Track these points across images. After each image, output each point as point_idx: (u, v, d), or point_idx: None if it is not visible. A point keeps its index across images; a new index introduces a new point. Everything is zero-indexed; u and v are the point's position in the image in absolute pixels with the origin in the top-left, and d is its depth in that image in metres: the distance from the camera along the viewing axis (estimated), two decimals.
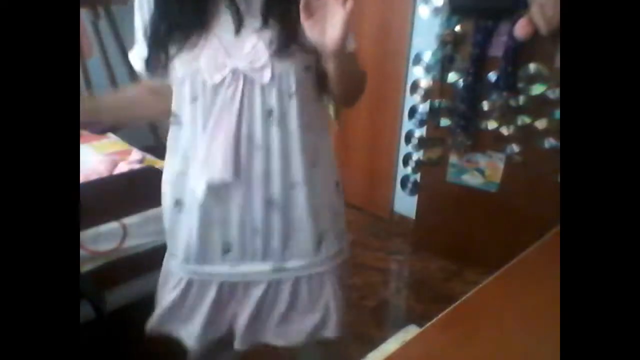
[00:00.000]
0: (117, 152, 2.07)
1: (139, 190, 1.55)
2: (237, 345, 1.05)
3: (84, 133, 2.32)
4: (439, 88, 2.24)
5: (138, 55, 0.93)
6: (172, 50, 0.86)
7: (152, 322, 1.09)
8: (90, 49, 2.96)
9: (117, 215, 1.49)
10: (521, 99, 2.01)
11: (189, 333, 1.05)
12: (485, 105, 2.11)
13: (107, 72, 3.01)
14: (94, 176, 1.68)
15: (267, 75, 0.84)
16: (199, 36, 0.84)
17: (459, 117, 2.16)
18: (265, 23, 0.83)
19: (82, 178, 1.63)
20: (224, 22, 0.84)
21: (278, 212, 0.95)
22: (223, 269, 1.00)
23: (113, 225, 1.49)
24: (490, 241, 2.20)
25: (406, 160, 2.68)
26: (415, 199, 2.58)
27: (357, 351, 1.10)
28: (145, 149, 2.16)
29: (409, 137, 2.63)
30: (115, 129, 2.70)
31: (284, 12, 0.82)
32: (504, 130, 2.10)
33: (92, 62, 2.90)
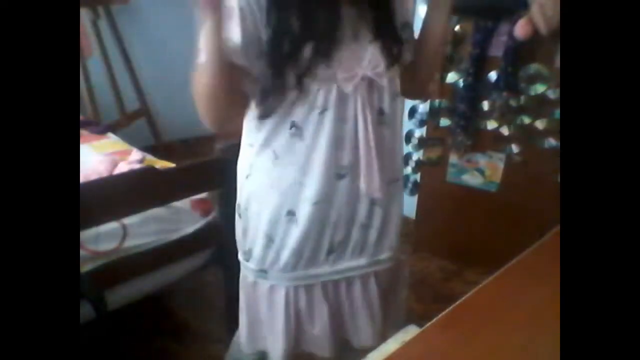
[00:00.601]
0: (117, 152, 2.07)
1: (139, 190, 1.55)
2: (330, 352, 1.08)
3: (84, 133, 2.32)
4: (439, 88, 2.24)
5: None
6: (302, 66, 0.84)
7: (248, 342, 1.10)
8: (90, 49, 2.96)
9: (117, 215, 1.49)
10: (521, 99, 2.01)
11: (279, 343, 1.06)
12: (485, 105, 2.11)
13: (107, 72, 3.02)
14: (94, 176, 1.67)
15: (385, 79, 0.91)
16: (332, 47, 0.85)
17: (459, 117, 2.16)
18: (377, 37, 0.89)
19: (82, 178, 1.63)
20: (347, 33, 0.87)
21: (380, 208, 1.01)
22: (324, 269, 1.02)
23: (113, 225, 1.49)
24: (490, 241, 2.20)
25: (406, 160, 2.68)
26: (415, 199, 2.58)
27: (357, 351, 1.10)
28: (145, 149, 2.16)
29: (409, 137, 2.62)
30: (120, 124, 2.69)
31: (389, 26, 0.91)
32: (504, 130, 2.10)
33: (92, 62, 2.91)
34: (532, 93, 1.98)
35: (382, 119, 0.93)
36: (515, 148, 2.11)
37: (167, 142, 3.41)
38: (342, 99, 0.88)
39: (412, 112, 2.56)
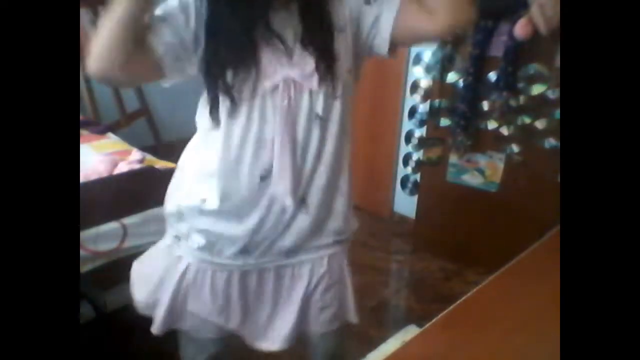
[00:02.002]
0: (117, 152, 2.07)
1: (139, 190, 1.55)
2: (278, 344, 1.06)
3: (84, 133, 2.32)
4: (439, 88, 2.24)
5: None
6: (229, 78, 0.86)
7: None
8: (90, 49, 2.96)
9: (117, 215, 1.49)
10: (521, 99, 2.01)
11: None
12: (485, 105, 2.11)
13: None
14: (94, 176, 1.67)
15: (315, 81, 0.88)
16: (252, 58, 0.86)
17: (459, 117, 2.16)
18: (306, 50, 0.88)
19: (82, 178, 1.62)
20: (271, 44, 0.87)
21: (306, 215, 0.97)
22: (235, 262, 1.00)
23: (113, 225, 1.49)
24: (490, 241, 2.20)
25: (406, 160, 2.68)
26: (415, 199, 2.58)
27: (357, 351, 1.10)
28: (145, 149, 2.16)
29: (409, 137, 2.63)
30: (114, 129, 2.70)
31: (321, 44, 0.88)
32: (504, 130, 2.10)
33: None
34: (532, 93, 1.98)
35: (315, 123, 0.91)
36: (515, 148, 2.11)
37: (167, 142, 3.41)
38: (264, 99, 0.88)
39: (412, 112, 2.56)
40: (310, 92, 0.89)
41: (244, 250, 0.99)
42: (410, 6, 0.88)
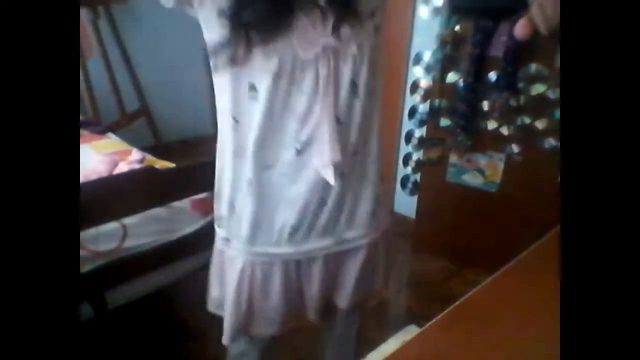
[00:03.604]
0: (117, 152, 2.07)
1: (139, 190, 1.55)
2: (312, 315, 1.08)
3: (84, 133, 2.32)
4: (439, 88, 2.24)
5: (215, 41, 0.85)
6: (258, 35, 0.82)
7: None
8: (90, 49, 2.96)
9: (117, 215, 1.49)
10: (521, 99, 2.01)
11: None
12: (485, 105, 2.11)
13: (107, 72, 3.02)
14: (94, 176, 1.68)
15: (353, 46, 0.86)
16: (288, 19, 0.82)
17: (459, 117, 2.16)
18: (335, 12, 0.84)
19: (82, 178, 1.63)
20: (307, 11, 0.83)
21: (349, 184, 0.97)
22: (285, 249, 0.99)
23: (113, 225, 1.49)
24: (490, 241, 2.20)
25: (406, 160, 2.68)
26: (415, 199, 2.58)
27: (357, 351, 1.10)
28: (145, 149, 2.16)
29: (409, 137, 2.63)
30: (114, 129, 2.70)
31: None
32: (504, 130, 2.10)
33: (92, 62, 2.91)
34: (532, 93, 1.98)
35: (354, 91, 0.89)
36: (515, 148, 2.11)
37: (167, 142, 3.41)
38: (300, 68, 0.84)
39: (412, 112, 2.56)
40: (349, 60, 0.86)
41: (292, 233, 0.97)
42: None
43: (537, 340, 0.81)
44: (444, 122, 2.26)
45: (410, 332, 0.95)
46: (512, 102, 2.03)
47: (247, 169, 0.92)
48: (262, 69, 0.84)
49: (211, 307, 1.11)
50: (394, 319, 2.12)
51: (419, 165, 2.56)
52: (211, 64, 0.89)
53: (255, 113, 0.87)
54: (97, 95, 2.89)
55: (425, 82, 2.43)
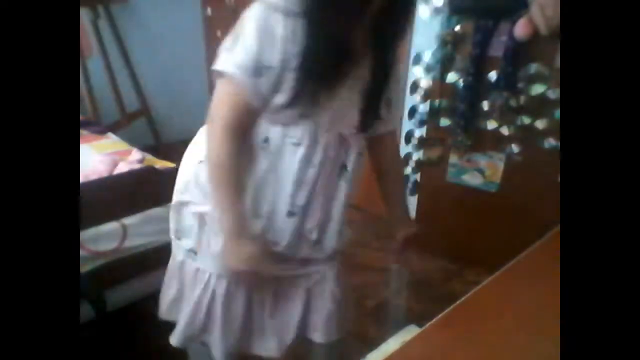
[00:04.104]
0: (117, 152, 2.07)
1: (139, 190, 1.55)
2: (279, 349, 1.11)
3: (84, 133, 2.32)
4: (439, 88, 2.24)
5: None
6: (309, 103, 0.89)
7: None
8: (90, 49, 2.96)
9: (117, 215, 1.49)
10: (521, 99, 2.01)
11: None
12: (485, 105, 2.11)
13: (107, 72, 3.02)
14: (94, 176, 1.67)
15: (355, 140, 0.98)
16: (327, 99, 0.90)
17: (459, 117, 2.16)
18: (364, 102, 0.95)
19: (82, 178, 1.62)
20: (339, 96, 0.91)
21: (319, 245, 1.05)
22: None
23: (113, 225, 1.49)
24: (490, 241, 2.20)
25: (406, 160, 2.68)
26: (415, 199, 2.58)
27: (357, 351, 1.10)
28: (145, 149, 2.16)
29: (409, 137, 2.62)
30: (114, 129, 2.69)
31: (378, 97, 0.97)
32: (504, 130, 2.10)
33: (92, 62, 2.91)
34: (532, 93, 1.98)
35: (342, 173, 1.00)
36: (515, 148, 2.11)
37: (167, 142, 3.41)
38: (313, 144, 0.93)
39: (412, 112, 2.56)
40: (347, 147, 0.98)
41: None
42: None
43: (537, 340, 0.81)
44: (444, 122, 2.26)
45: (410, 332, 0.95)
46: (512, 102, 2.02)
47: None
48: (280, 127, 0.93)
49: (165, 314, 1.16)
50: (394, 319, 2.12)
51: (419, 165, 2.56)
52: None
53: (260, 163, 0.95)
54: (97, 95, 2.89)
55: (425, 82, 2.43)
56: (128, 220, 1.51)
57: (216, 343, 1.08)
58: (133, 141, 2.31)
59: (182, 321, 1.09)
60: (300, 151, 0.92)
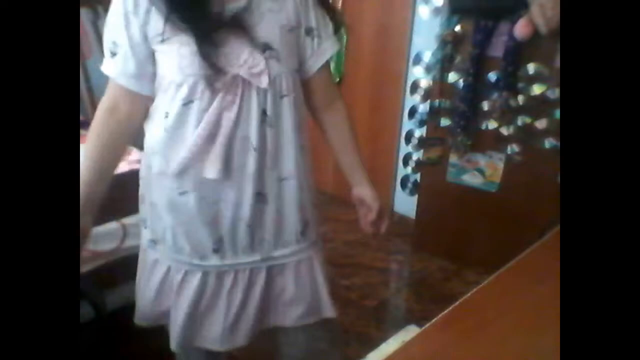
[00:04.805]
0: None
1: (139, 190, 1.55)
2: (241, 341, 1.07)
3: (84, 133, 2.32)
4: (439, 88, 2.24)
5: (121, 66, 0.93)
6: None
7: (140, 316, 1.11)
8: (90, 49, 2.96)
9: (117, 215, 1.49)
10: (521, 99, 2.01)
11: (178, 325, 1.06)
12: (485, 105, 2.11)
13: None
14: None
15: (264, 80, 0.89)
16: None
17: (459, 117, 2.16)
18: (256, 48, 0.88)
19: None
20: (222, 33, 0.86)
21: (269, 205, 0.99)
22: (211, 262, 1.02)
23: (113, 225, 1.49)
24: (490, 241, 2.20)
25: (406, 160, 2.68)
26: (415, 199, 2.58)
27: (357, 351, 1.10)
28: None
29: (409, 137, 2.63)
30: None
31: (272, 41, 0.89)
32: (504, 130, 2.10)
33: (92, 62, 2.90)
34: (532, 93, 1.98)
35: (265, 119, 0.92)
36: (515, 148, 2.11)
37: None
38: (211, 94, 0.88)
39: (412, 112, 2.56)
40: (260, 91, 0.90)
41: (216, 250, 1.00)
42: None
43: (537, 340, 0.81)
44: (444, 122, 2.26)
45: (410, 332, 0.95)
46: (512, 102, 2.02)
47: (176, 184, 0.96)
48: (169, 94, 0.91)
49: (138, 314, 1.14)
50: (394, 319, 2.12)
51: (419, 165, 2.56)
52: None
53: (170, 139, 0.93)
54: (97, 95, 2.89)
55: (425, 82, 2.43)
56: (128, 220, 1.51)
57: (172, 330, 1.07)
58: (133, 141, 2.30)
59: (141, 302, 1.10)
60: (195, 108, 0.89)
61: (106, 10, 0.91)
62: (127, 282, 1.55)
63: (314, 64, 0.99)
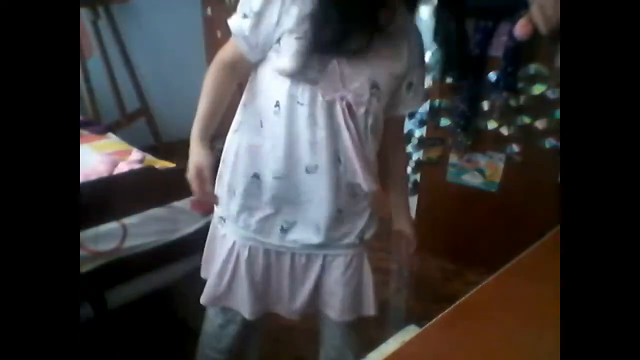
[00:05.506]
0: (117, 152, 2.07)
1: (139, 190, 1.55)
2: (290, 314, 1.17)
3: (84, 133, 2.32)
4: (439, 88, 2.24)
5: (245, 31, 0.96)
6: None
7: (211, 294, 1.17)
8: (90, 49, 2.96)
9: (117, 215, 1.49)
10: (521, 99, 2.01)
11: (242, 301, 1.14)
12: (485, 105, 2.11)
13: (107, 72, 3.02)
14: (94, 176, 1.67)
15: (363, 109, 0.98)
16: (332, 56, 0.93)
17: (459, 117, 2.16)
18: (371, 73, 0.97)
19: (82, 178, 1.62)
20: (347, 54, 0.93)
21: (343, 213, 1.08)
22: (273, 240, 1.10)
23: (113, 225, 1.49)
24: (490, 241, 2.20)
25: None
26: (415, 199, 2.58)
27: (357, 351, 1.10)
28: (145, 149, 2.16)
29: (409, 137, 2.62)
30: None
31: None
32: (504, 130, 2.10)
33: (92, 62, 2.90)
34: (532, 93, 1.98)
35: (355, 142, 1.00)
36: (515, 148, 2.11)
37: (167, 142, 3.41)
38: (316, 103, 0.95)
39: (412, 112, 2.56)
40: (356, 116, 0.98)
41: (283, 230, 1.08)
42: None
43: (537, 340, 0.81)
44: (444, 122, 2.26)
45: (410, 332, 0.95)
46: (512, 102, 2.02)
47: (256, 166, 1.04)
48: (288, 89, 0.96)
49: (203, 273, 1.23)
50: (394, 319, 2.12)
51: (419, 165, 2.56)
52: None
53: (278, 128, 0.99)
54: (97, 95, 2.89)
55: (425, 82, 2.43)
56: (128, 220, 1.51)
57: (242, 305, 1.14)
58: (133, 141, 2.31)
59: (210, 281, 1.15)
60: (304, 111, 0.96)
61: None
62: (127, 282, 1.56)
63: (402, 111, 1.13)
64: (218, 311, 1.22)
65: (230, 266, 1.12)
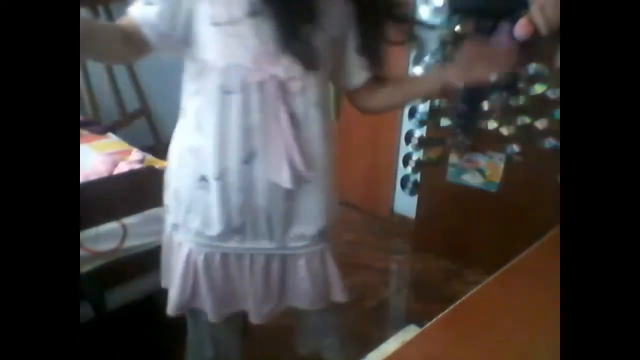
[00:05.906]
0: (117, 152, 2.07)
1: (139, 190, 1.55)
2: (254, 319, 1.12)
3: (84, 133, 2.32)
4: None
5: (151, 18, 0.89)
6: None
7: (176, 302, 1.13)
8: None
9: (117, 215, 1.49)
10: (521, 99, 2.01)
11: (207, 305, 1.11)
12: (485, 105, 2.11)
13: (107, 72, 3.02)
14: (94, 176, 1.67)
15: (297, 85, 0.94)
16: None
17: (459, 117, 2.16)
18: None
19: (82, 178, 1.63)
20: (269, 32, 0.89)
21: (295, 202, 1.03)
22: (229, 244, 1.06)
23: (113, 225, 1.49)
24: (490, 241, 2.20)
25: (406, 160, 2.68)
26: (415, 199, 2.58)
27: (357, 351, 1.10)
28: (145, 149, 2.16)
29: (409, 137, 2.63)
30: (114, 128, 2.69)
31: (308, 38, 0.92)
32: (504, 130, 2.10)
33: (92, 61, 2.90)
34: (532, 93, 1.98)
35: (295, 122, 0.96)
36: (515, 148, 2.11)
37: (167, 142, 3.41)
38: (248, 88, 0.91)
39: (412, 112, 2.56)
40: (292, 94, 0.94)
41: (236, 231, 1.03)
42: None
43: (537, 340, 0.81)
44: (444, 122, 2.26)
45: (410, 332, 0.95)
46: (512, 102, 2.02)
47: (201, 168, 1.00)
48: (212, 83, 0.94)
49: (163, 283, 1.19)
50: (394, 319, 2.12)
51: (419, 165, 2.56)
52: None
53: (211, 125, 0.96)
54: (97, 95, 2.89)
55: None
56: (128, 220, 1.51)
57: (207, 308, 1.11)
58: (133, 141, 2.31)
59: (172, 291, 1.12)
60: (236, 99, 0.92)
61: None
62: (127, 282, 1.56)
63: (357, 80, 1.09)
64: (189, 317, 1.20)
65: (190, 274, 1.08)
